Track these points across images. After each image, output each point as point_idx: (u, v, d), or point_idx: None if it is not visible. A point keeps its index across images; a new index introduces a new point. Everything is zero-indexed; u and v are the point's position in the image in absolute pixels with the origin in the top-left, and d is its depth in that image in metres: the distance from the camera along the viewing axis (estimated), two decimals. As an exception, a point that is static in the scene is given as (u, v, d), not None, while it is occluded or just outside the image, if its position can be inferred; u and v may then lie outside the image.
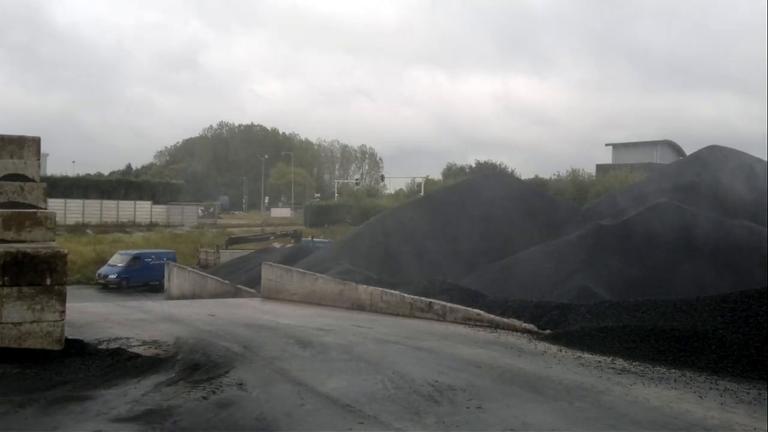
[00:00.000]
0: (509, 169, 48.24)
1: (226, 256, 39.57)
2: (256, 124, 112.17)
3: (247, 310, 15.93)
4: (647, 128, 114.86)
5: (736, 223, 17.98)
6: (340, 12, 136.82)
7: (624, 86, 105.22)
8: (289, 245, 41.74)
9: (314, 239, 41.93)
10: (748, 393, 7.38)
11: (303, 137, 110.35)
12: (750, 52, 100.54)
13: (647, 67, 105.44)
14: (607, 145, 58.39)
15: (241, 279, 24.88)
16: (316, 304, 16.79)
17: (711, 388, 7.59)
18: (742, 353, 8.57)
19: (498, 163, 49.48)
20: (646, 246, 17.79)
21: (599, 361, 9.07)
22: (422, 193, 40.51)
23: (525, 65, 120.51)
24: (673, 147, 51.67)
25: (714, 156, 25.77)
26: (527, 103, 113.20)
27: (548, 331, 11.11)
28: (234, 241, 46.41)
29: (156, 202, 62.68)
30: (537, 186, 36.48)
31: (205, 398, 6.92)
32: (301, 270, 18.91)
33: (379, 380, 7.85)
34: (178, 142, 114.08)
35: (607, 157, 55.85)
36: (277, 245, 43.14)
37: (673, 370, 8.47)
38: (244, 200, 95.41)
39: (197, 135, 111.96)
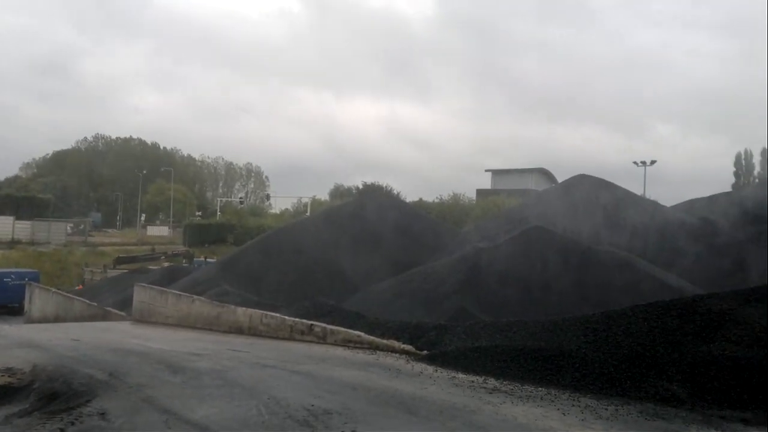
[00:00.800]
0: (395, 192, 48.97)
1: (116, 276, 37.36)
2: (134, 137, 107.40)
3: (116, 334, 15.04)
4: (522, 156, 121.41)
5: (601, 248, 19.18)
6: (222, 26, 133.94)
7: (500, 115, 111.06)
8: (184, 264, 40.14)
9: (207, 259, 40.56)
10: (606, 409, 7.83)
11: (185, 153, 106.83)
12: (609, 89, 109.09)
13: (520, 98, 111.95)
14: (486, 171, 61.14)
15: (111, 301, 23.51)
16: (191, 328, 16.14)
17: (573, 405, 7.98)
18: (602, 371, 9.09)
19: (384, 185, 50.14)
20: (519, 268, 18.59)
21: (472, 381, 9.31)
22: (308, 213, 40.30)
23: (409, 91, 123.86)
24: (546, 174, 54.81)
25: (582, 184, 27.48)
26: (411, 127, 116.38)
27: (425, 352, 11.30)
28: (122, 261, 43.92)
29: (19, 217, 58.13)
30: (421, 209, 37.35)
31: (62, 430, 6.42)
32: (176, 292, 18.15)
33: (253, 406, 7.63)
34: (47, 154, 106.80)
35: (486, 183, 58.43)
36: (165, 265, 41.34)
37: (540, 388, 8.85)
38: (118, 217, 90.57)
39: (69, 147, 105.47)
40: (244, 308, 15.31)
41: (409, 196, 49.03)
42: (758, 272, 18.28)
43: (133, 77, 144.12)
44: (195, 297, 17.15)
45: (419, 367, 10.44)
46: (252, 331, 14.65)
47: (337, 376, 9.58)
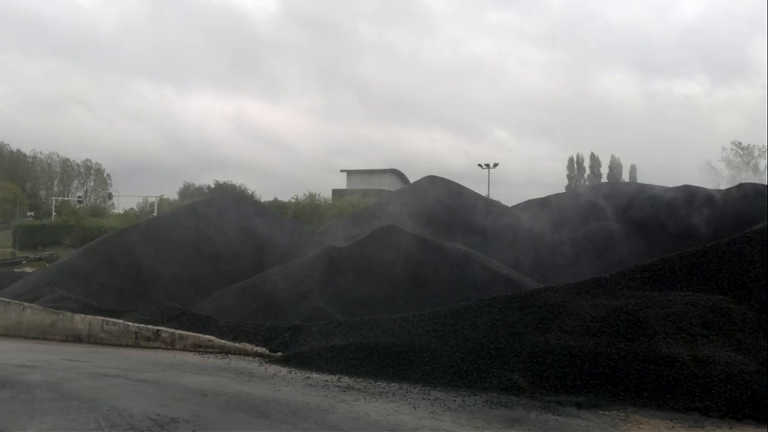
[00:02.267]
0: (249, 191, 47.88)
1: None
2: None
3: (-71, 348, 13.36)
4: (375, 157, 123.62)
5: (449, 246, 19.94)
6: (46, 12, 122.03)
7: (349, 116, 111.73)
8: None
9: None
10: (455, 401, 8.13)
11: (14, 148, 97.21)
12: (450, 94, 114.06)
13: (369, 100, 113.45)
14: (342, 171, 61.73)
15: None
16: (22, 338, 14.74)
17: (424, 399, 8.21)
18: (450, 364, 9.45)
19: (238, 185, 48.84)
20: (374, 266, 18.88)
21: (327, 380, 9.30)
22: (155, 213, 38.30)
23: (256, 88, 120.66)
24: (399, 175, 56.35)
25: (431, 184, 28.48)
26: (261, 125, 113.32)
27: (280, 354, 11.13)
28: None
29: None
30: (276, 208, 36.84)
31: None
32: (3, 299, 16.48)
33: (91, 419, 7.09)
34: None
35: (342, 183, 58.99)
36: (28, 270, 37.11)
37: (393, 384, 9.02)
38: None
39: None
40: (82, 315, 14.22)
41: (264, 195, 48.10)
42: (591, 267, 19.93)
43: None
44: (26, 304, 15.68)
45: (273, 369, 10.27)
46: (92, 339, 13.66)
47: (186, 383, 9.17)
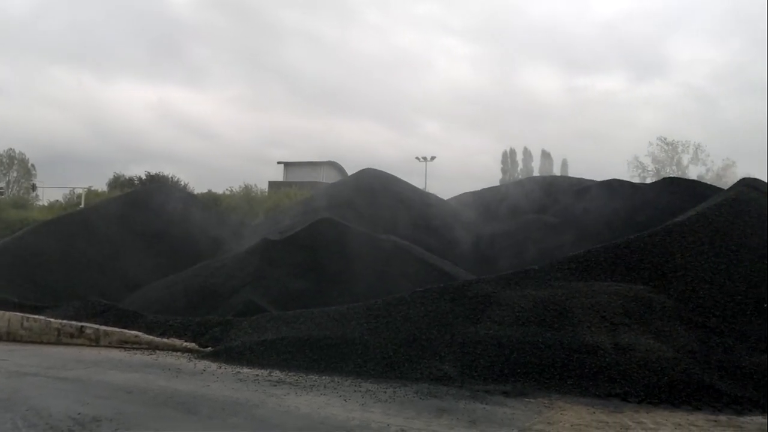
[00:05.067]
0: (181, 182, 46.60)
1: None
2: None
3: None
4: (312, 148, 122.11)
5: (384, 237, 20.02)
6: None
7: (280, 106, 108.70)
8: None
9: None
10: (385, 392, 8.18)
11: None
12: (380, 86, 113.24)
13: (298, 90, 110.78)
14: (278, 162, 60.96)
15: None
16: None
17: (355, 391, 8.23)
18: (382, 356, 9.50)
19: (170, 176, 47.48)
20: (309, 259, 18.76)
21: (257, 375, 9.19)
22: (82, 205, 36.92)
23: (180, 75, 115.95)
24: (336, 167, 56.12)
25: (369, 177, 28.50)
26: (188, 114, 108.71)
27: (209, 349, 10.93)
28: None
29: None
30: (209, 200, 36.10)
31: None
32: None
33: (8, 419, 6.80)
34: None
35: (279, 175, 58.24)
36: None
37: (324, 377, 9.01)
38: None
39: None
40: (0, 311, 13.57)
41: (198, 187, 46.79)
42: (522, 259, 20.38)
43: None
44: (-64, 301, 14.82)
45: (202, 364, 10.07)
46: (11, 337, 13.07)
47: (110, 380, 8.90)
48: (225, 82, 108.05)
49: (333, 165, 56.39)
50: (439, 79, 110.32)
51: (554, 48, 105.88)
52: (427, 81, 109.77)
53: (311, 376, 9.06)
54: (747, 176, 16.33)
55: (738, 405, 7.78)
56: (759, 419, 7.39)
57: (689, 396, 7.90)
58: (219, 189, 45.66)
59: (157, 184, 38.86)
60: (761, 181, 14.44)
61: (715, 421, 7.24)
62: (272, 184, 52.14)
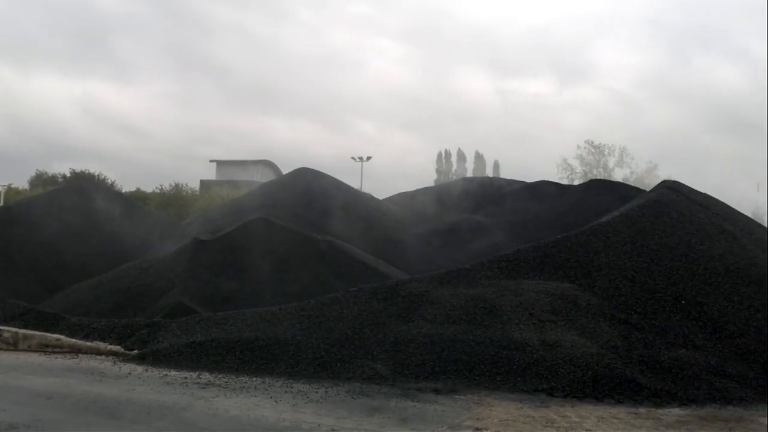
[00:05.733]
0: (109, 180, 44.93)
1: None
2: None
3: None
4: (246, 147, 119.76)
5: (319, 237, 19.91)
6: None
7: (211, 103, 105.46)
8: None
9: None
10: (317, 392, 8.14)
11: None
12: (314, 84, 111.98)
13: (229, 87, 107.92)
14: (211, 161, 59.66)
15: None
16: None
17: (286, 392, 8.14)
18: (314, 356, 9.44)
19: (96, 174, 45.69)
20: (241, 259, 18.46)
21: (185, 378, 8.97)
22: (1, 203, 35.16)
23: (105, 69, 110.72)
24: (271, 166, 55.39)
25: (304, 176, 28.29)
26: (113, 110, 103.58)
27: (135, 352, 10.60)
28: None
29: None
30: (138, 199, 35.00)
31: None
32: None
33: None
34: None
35: (211, 174, 57.04)
36: None
37: (255, 378, 8.87)
38: None
39: None
40: None
41: (126, 185, 45.14)
42: (455, 258, 20.66)
43: None
44: None
45: (127, 368, 9.75)
46: None
47: (29, 386, 8.52)
48: (152, 77, 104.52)
49: (267, 164, 55.69)
50: (373, 79, 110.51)
51: (485, 51, 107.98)
52: (361, 81, 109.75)
53: (242, 378, 8.91)
54: (668, 179, 17.12)
55: (657, 398, 8.12)
56: (676, 411, 7.74)
57: (612, 390, 8.19)
58: (148, 187, 44.32)
59: (82, 182, 37.38)
60: (681, 183, 15.12)
61: (636, 413, 7.54)
62: (204, 183, 51.05)
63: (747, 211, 18.19)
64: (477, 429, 6.71)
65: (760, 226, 16.41)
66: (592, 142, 59.90)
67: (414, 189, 29.96)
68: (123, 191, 39.37)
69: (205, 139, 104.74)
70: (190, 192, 43.06)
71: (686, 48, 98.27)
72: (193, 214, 32.59)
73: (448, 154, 75.07)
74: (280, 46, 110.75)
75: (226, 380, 8.80)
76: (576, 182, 47.87)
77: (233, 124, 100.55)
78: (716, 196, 15.20)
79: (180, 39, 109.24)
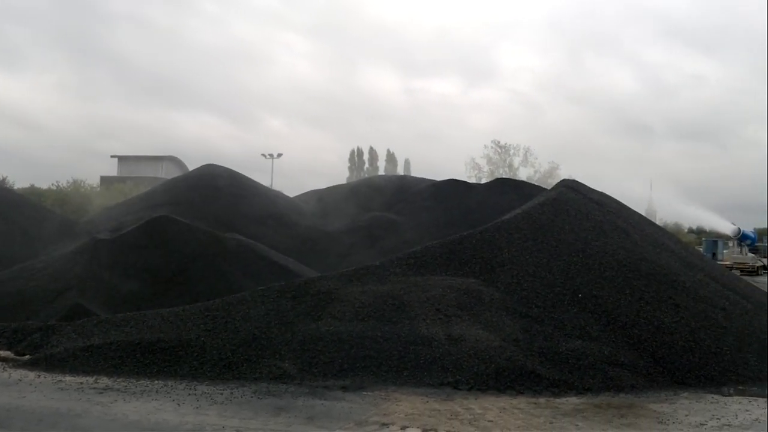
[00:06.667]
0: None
1: None
2: None
3: None
4: (149, 142, 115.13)
5: (226, 236, 19.48)
6: None
7: (110, 95, 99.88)
8: None
9: None
10: (222, 394, 7.96)
11: None
12: (219, 78, 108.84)
13: (129, 79, 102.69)
14: (112, 156, 57.10)
15: None
16: None
17: (189, 394, 7.92)
18: (220, 357, 9.23)
19: (-15, 169, 42.79)
20: (144, 259, 17.78)
21: (81, 383, 8.54)
22: None
23: None
24: (176, 162, 53.63)
25: (211, 173, 27.60)
26: (1, 100, 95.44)
27: (27, 357, 9.99)
28: None
29: None
30: (32, 196, 33.02)
31: None
32: None
33: None
34: None
35: (113, 169, 54.58)
36: None
37: (157, 382, 8.57)
38: None
39: None
40: None
41: (19, 181, 42.53)
42: (366, 255, 20.76)
43: None
44: None
45: (18, 374, 9.17)
46: None
47: None
48: (45, 66, 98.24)
49: (173, 160, 53.93)
50: (280, 74, 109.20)
51: (392, 50, 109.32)
52: (269, 76, 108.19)
53: (142, 382, 8.58)
54: (567, 178, 17.91)
55: (555, 388, 8.48)
56: (573, 399, 8.12)
57: (513, 381, 8.49)
58: (44, 184, 41.97)
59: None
60: (579, 182, 15.84)
61: (536, 403, 7.85)
62: (105, 180, 48.88)
63: (641, 208, 19.36)
64: (383, 424, 6.78)
65: (651, 223, 17.49)
66: (498, 142, 61.83)
67: (325, 187, 29.88)
68: (14, 187, 37.10)
69: (106, 134, 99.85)
70: (89, 188, 41.14)
71: (582, 51, 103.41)
72: (93, 212, 31.11)
73: (360, 152, 75.38)
74: (183, 38, 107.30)
75: (126, 384, 8.45)
76: (483, 181, 49.27)
77: (135, 117, 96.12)
78: (612, 194, 16.05)
79: (74, 26, 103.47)
